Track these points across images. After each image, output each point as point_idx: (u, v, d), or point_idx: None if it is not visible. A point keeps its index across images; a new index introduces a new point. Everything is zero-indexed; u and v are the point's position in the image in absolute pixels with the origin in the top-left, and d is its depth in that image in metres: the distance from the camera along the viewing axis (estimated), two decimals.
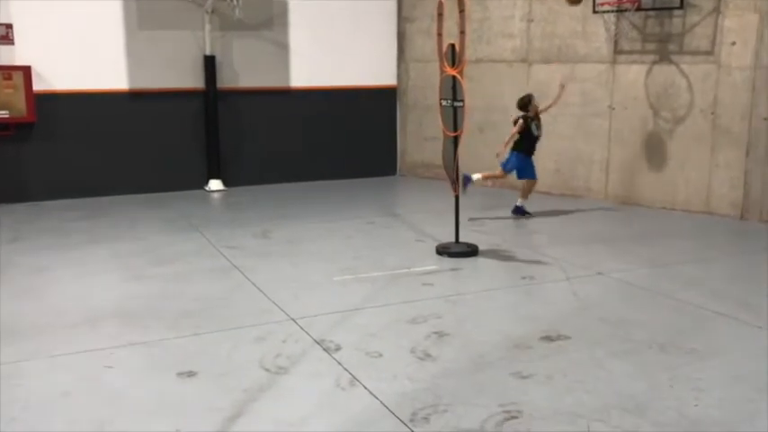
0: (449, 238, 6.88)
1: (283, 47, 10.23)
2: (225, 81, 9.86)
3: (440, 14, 6.56)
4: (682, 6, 7.83)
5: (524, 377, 3.99)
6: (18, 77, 8.71)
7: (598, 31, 8.70)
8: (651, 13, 8.19)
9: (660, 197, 8.47)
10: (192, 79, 9.70)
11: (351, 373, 4.03)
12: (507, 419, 3.50)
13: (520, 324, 4.84)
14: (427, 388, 3.85)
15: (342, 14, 10.44)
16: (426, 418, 3.52)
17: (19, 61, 8.76)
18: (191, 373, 4.07)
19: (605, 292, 5.56)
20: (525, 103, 7.93)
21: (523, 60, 9.54)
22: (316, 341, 4.51)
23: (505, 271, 6.13)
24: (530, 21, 9.39)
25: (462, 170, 6.74)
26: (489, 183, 8.43)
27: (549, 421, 3.49)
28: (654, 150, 8.48)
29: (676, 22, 8.08)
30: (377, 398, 3.75)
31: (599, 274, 6.00)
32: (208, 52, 9.65)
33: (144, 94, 9.49)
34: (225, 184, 9.97)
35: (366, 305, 5.22)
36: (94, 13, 9.09)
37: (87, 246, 6.98)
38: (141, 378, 4.06)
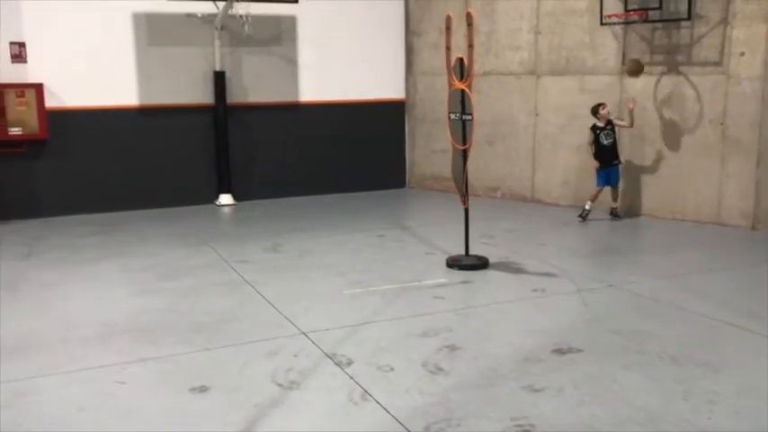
0: (459, 250, 6.89)
1: (292, 62, 10.31)
2: (234, 96, 9.94)
3: (448, 28, 6.60)
4: (689, 18, 7.84)
5: (536, 390, 3.98)
6: (30, 95, 8.81)
7: (606, 43, 8.72)
8: (659, 24, 8.20)
9: (670, 208, 8.45)
10: (202, 95, 9.78)
11: (362, 387, 4.04)
12: None
13: (531, 337, 4.83)
14: (439, 402, 3.85)
15: (350, 29, 10.52)
16: None
17: (31, 79, 8.87)
18: (203, 389, 4.08)
19: (616, 304, 5.55)
20: (594, 112, 8.30)
21: (532, 73, 9.56)
22: (327, 355, 4.52)
23: (516, 283, 6.13)
24: (537, 33, 9.42)
25: (471, 182, 6.74)
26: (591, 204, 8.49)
27: None
28: (663, 161, 8.47)
29: (684, 33, 8.09)
30: (389, 412, 3.75)
31: (610, 285, 5.98)
32: (218, 68, 9.73)
33: (154, 109, 9.56)
34: (235, 198, 10.01)
35: (377, 318, 5.23)
36: (106, 31, 9.19)
37: (99, 261, 7.02)
38: (154, 393, 4.08)
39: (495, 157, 9.84)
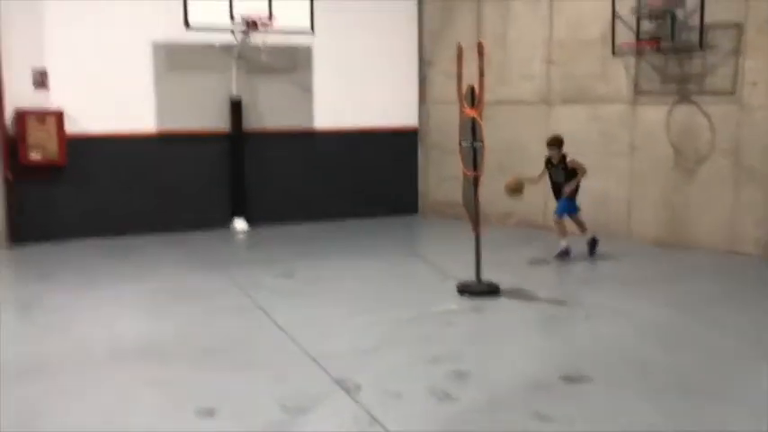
0: (470, 277, 6.90)
1: (307, 89, 10.45)
2: (250, 123, 10.07)
3: (459, 57, 6.68)
4: (702, 48, 7.88)
5: (545, 419, 3.96)
6: (51, 121, 8.97)
7: (618, 73, 8.77)
8: (671, 54, 8.24)
9: (683, 236, 8.42)
10: (218, 121, 9.92)
11: (370, 414, 4.04)
12: None
13: (540, 364, 4.82)
14: (446, 428, 3.84)
15: (364, 58, 10.66)
16: None
17: (53, 105, 9.04)
18: (210, 412, 4.10)
19: (628, 333, 5.51)
20: (547, 144, 8.07)
21: (544, 101, 9.63)
22: (335, 381, 4.53)
23: (527, 310, 6.12)
24: (549, 62, 9.50)
25: (483, 209, 6.76)
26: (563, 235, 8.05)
27: None
28: (676, 189, 8.46)
29: (696, 63, 8.13)
30: None
31: (621, 313, 5.95)
32: (234, 95, 9.88)
33: (172, 136, 9.71)
34: (249, 223, 10.10)
35: (386, 344, 5.24)
36: (126, 58, 9.37)
37: (113, 284, 7.09)
38: (162, 416, 4.11)
39: None
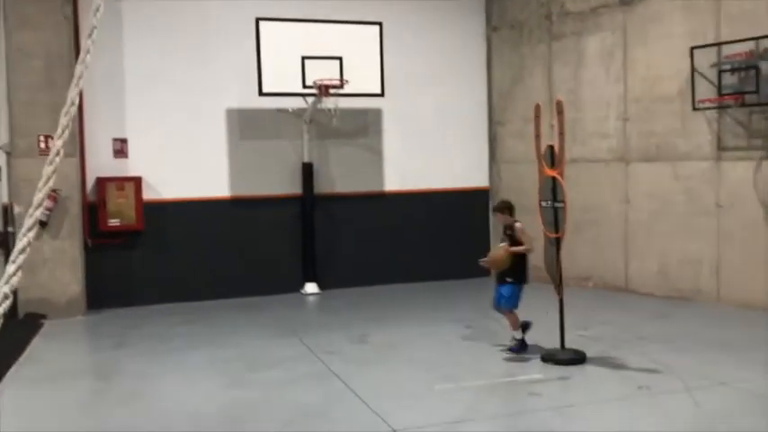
0: (552, 343, 6.59)
1: (377, 152, 10.48)
2: (321, 187, 10.12)
3: (537, 117, 6.57)
4: None
5: None
6: (129, 188, 9.21)
7: (699, 128, 8.48)
8: (756, 108, 7.93)
9: None
10: (290, 185, 10.01)
11: None
12: None
13: None
14: None
15: (434, 119, 10.67)
16: None
17: (132, 172, 9.29)
18: None
19: (732, 405, 5.11)
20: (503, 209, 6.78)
21: (621, 159, 9.37)
22: None
23: (618, 380, 5.76)
24: (625, 120, 9.28)
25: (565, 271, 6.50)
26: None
27: None
28: None
29: None
30: None
31: (722, 384, 5.55)
32: (306, 159, 9.97)
33: (245, 200, 9.83)
34: (320, 287, 10.03)
35: (473, 416, 4.98)
36: (201, 125, 9.62)
37: (189, 351, 7.06)
38: None
39: (584, 245, 9.54)
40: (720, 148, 8.35)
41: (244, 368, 6.41)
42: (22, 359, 6.81)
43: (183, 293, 9.48)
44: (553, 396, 5.42)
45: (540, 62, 10.23)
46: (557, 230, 6.30)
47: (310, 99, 9.64)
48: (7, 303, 1.94)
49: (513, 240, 6.50)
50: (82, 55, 2.41)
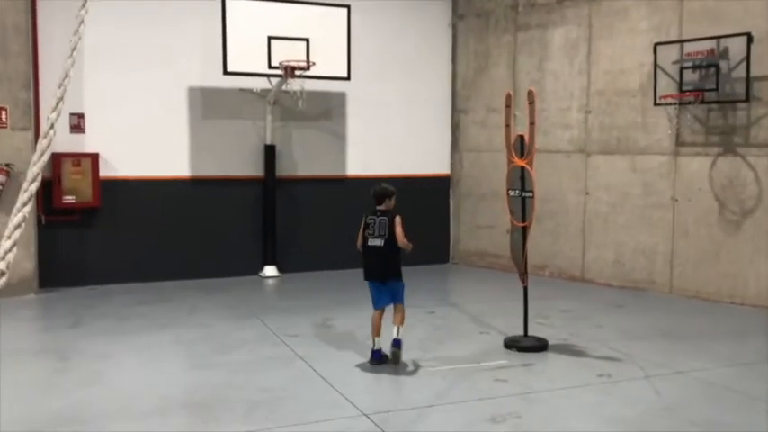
0: (512, 329, 6.72)
1: (340, 137, 10.43)
2: (283, 170, 10.02)
3: (508, 106, 6.62)
4: (747, 99, 7.79)
5: None
6: (86, 164, 8.95)
7: (659, 123, 8.68)
8: (714, 105, 8.16)
9: (728, 291, 8.20)
10: (251, 167, 9.88)
11: None
12: None
13: (606, 426, 4.60)
14: None
15: (397, 106, 10.65)
16: None
17: (88, 149, 9.03)
18: None
19: (689, 393, 5.29)
20: (384, 195, 6.41)
21: (581, 151, 9.53)
22: None
23: (580, 367, 5.89)
24: (587, 112, 9.44)
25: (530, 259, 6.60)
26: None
27: None
28: (721, 243, 8.27)
29: (741, 115, 8.03)
30: None
31: (678, 372, 5.73)
32: (268, 141, 9.85)
33: (205, 181, 9.67)
34: (279, 270, 9.95)
35: (440, 401, 5.03)
36: (161, 103, 9.40)
37: (149, 332, 6.93)
38: None
39: (543, 234, 9.70)
40: (678, 143, 8.58)
41: (207, 350, 6.33)
42: None
43: (139, 273, 9.29)
44: (518, 382, 5.50)
45: (505, 52, 10.31)
46: (524, 219, 6.38)
47: (275, 80, 9.51)
48: (3, 279, 1.87)
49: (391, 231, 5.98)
50: (75, 26, 2.32)
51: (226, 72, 9.09)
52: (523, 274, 6.50)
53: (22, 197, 1.94)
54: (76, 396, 5.15)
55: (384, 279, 5.98)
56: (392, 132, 10.64)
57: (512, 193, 6.49)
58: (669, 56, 8.36)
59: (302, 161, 10.21)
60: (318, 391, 5.26)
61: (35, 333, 7.33)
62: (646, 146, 8.87)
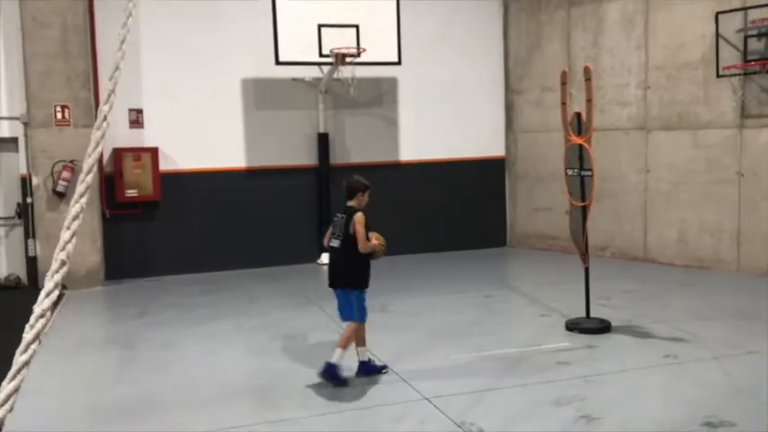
0: (572, 311, 6.59)
1: (393, 122, 10.39)
2: (337, 157, 10.05)
3: (563, 84, 6.47)
4: None
5: None
6: (146, 159, 9.16)
7: (722, 95, 8.35)
8: None
9: None
10: (305, 156, 9.94)
11: None
12: None
13: (675, 408, 4.47)
14: None
15: (450, 88, 10.53)
16: None
17: (147, 143, 9.23)
18: None
19: (761, 374, 5.09)
20: (357, 189, 5.65)
21: (641, 128, 9.26)
22: (456, 424, 4.29)
23: (645, 349, 5.75)
24: (646, 88, 9.15)
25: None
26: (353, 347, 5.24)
27: None
28: None
29: None
30: None
31: (749, 353, 5.52)
32: (321, 130, 9.89)
33: (260, 171, 9.77)
34: None
35: (501, 384, 4.98)
36: (215, 96, 9.53)
37: (212, 320, 7.06)
38: None
39: (603, 214, 9.48)
40: (744, 115, 8.24)
41: (267, 338, 6.42)
42: (46, 329, 6.80)
43: (199, 264, 9.47)
44: (581, 364, 5.40)
45: (558, 29, 10.08)
46: (583, 199, 6.24)
47: (326, 68, 9.52)
48: (64, 270, 1.91)
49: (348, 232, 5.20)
50: (124, 18, 2.34)
51: (278, 62, 9.14)
52: (584, 255, 6.36)
53: (79, 188, 1.97)
54: (144, 384, 5.28)
55: (335, 286, 5.12)
56: (445, 116, 10.55)
57: (570, 172, 6.34)
58: (732, 24, 8.03)
59: (355, 148, 10.21)
60: (378, 376, 5.26)
61: (103, 324, 7.57)
62: (709, 120, 8.56)
